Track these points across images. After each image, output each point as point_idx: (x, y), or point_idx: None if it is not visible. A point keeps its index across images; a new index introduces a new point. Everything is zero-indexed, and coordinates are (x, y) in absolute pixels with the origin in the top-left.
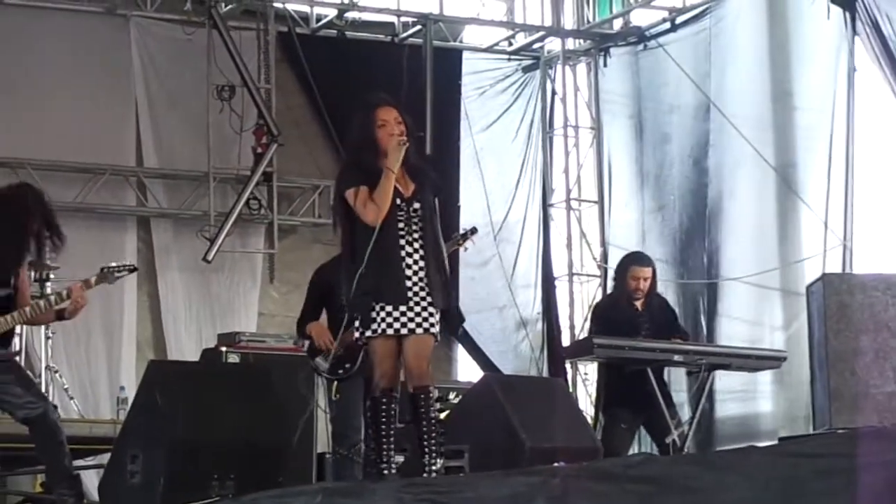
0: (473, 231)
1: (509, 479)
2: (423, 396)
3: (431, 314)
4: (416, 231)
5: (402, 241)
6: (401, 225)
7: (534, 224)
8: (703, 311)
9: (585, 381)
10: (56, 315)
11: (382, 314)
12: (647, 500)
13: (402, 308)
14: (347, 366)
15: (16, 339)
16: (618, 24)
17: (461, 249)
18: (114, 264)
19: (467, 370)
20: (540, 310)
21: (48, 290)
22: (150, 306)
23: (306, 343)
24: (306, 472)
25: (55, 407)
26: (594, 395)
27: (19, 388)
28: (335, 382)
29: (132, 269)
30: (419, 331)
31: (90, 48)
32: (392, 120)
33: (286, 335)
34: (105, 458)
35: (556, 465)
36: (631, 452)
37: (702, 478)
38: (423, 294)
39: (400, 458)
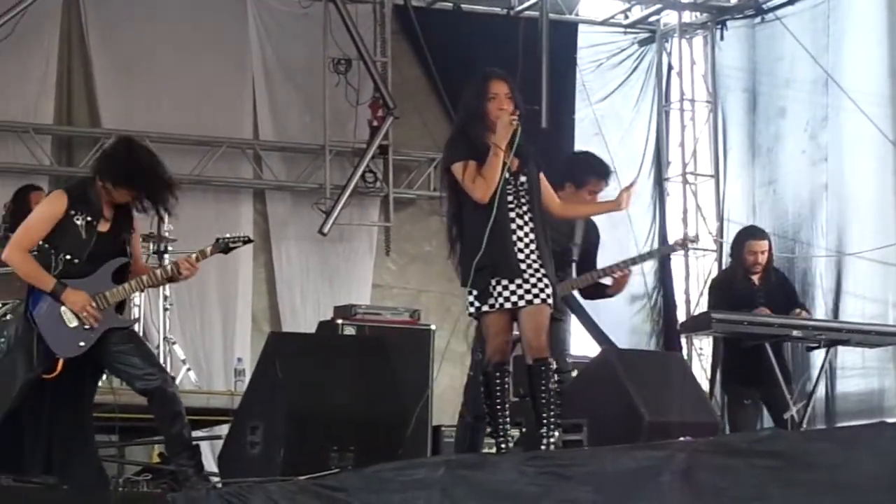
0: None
1: (634, 452)
2: (542, 368)
3: (547, 285)
4: (524, 204)
5: (513, 215)
6: (510, 198)
7: (650, 198)
8: (819, 286)
9: (700, 356)
10: (170, 280)
11: (499, 288)
12: (774, 475)
13: (518, 281)
14: None
15: (135, 310)
16: None
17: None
18: (229, 235)
19: (580, 343)
20: (655, 284)
21: (166, 262)
22: (266, 278)
23: None
24: (422, 444)
25: (172, 378)
26: (708, 369)
27: (138, 358)
28: None
29: (247, 241)
30: (536, 301)
31: (208, 22)
32: (503, 94)
33: (402, 308)
34: (220, 429)
35: (681, 439)
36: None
37: (830, 453)
38: (536, 266)
39: (514, 433)
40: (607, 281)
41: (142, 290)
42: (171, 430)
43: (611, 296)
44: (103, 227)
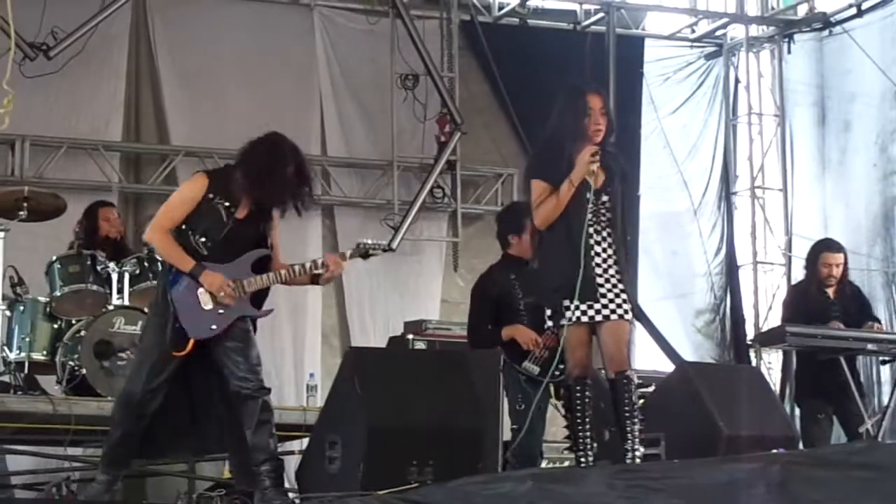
0: None
1: (726, 465)
2: (624, 382)
3: (626, 301)
4: (604, 222)
5: (591, 231)
6: (589, 217)
7: (716, 212)
8: (893, 300)
9: (770, 370)
10: (311, 279)
11: (576, 302)
12: (870, 486)
13: (592, 303)
14: (562, 366)
15: None
16: (802, 11)
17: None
18: (370, 241)
19: (648, 358)
20: (721, 297)
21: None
22: (335, 293)
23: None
24: (493, 460)
25: (268, 389)
26: (778, 383)
27: (242, 360)
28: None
29: (386, 249)
30: (613, 317)
31: (275, 38)
32: (598, 109)
33: None
34: (291, 445)
35: (774, 451)
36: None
37: None
38: (614, 281)
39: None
40: None
41: (282, 283)
42: (255, 437)
43: None
44: (241, 213)
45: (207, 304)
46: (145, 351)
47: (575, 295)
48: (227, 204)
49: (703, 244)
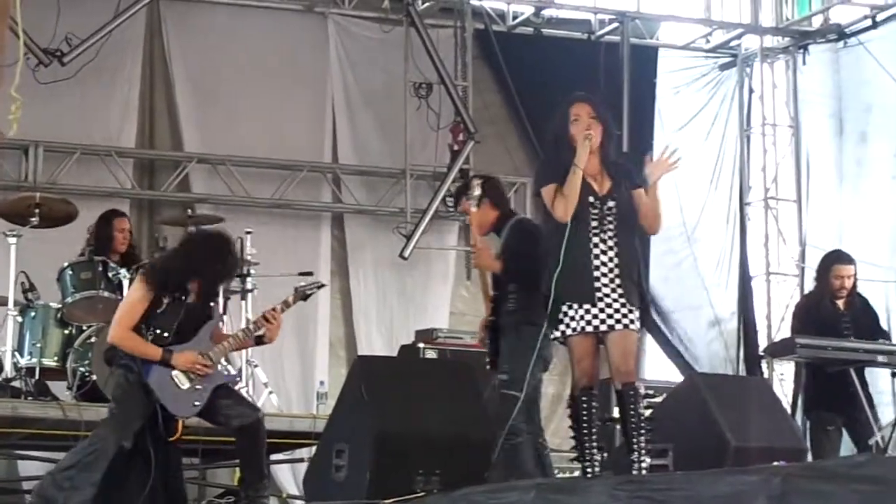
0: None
1: (728, 477)
2: (631, 393)
3: (631, 311)
4: (609, 230)
5: (596, 240)
6: (594, 224)
7: (728, 223)
8: None
9: (782, 381)
10: (256, 341)
11: (581, 312)
12: (872, 500)
13: (601, 305)
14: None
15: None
16: (817, 22)
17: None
18: (304, 283)
19: (658, 367)
20: (734, 309)
21: (248, 286)
22: (343, 304)
23: None
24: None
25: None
26: (790, 395)
27: (227, 400)
28: None
29: (321, 286)
30: (618, 327)
31: (288, 46)
32: (584, 115)
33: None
34: (299, 452)
35: (776, 464)
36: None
37: None
38: (619, 293)
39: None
40: None
41: (234, 350)
42: (254, 464)
43: None
44: (191, 298)
45: (184, 384)
46: (122, 409)
47: (573, 298)
48: (177, 294)
49: (716, 255)
